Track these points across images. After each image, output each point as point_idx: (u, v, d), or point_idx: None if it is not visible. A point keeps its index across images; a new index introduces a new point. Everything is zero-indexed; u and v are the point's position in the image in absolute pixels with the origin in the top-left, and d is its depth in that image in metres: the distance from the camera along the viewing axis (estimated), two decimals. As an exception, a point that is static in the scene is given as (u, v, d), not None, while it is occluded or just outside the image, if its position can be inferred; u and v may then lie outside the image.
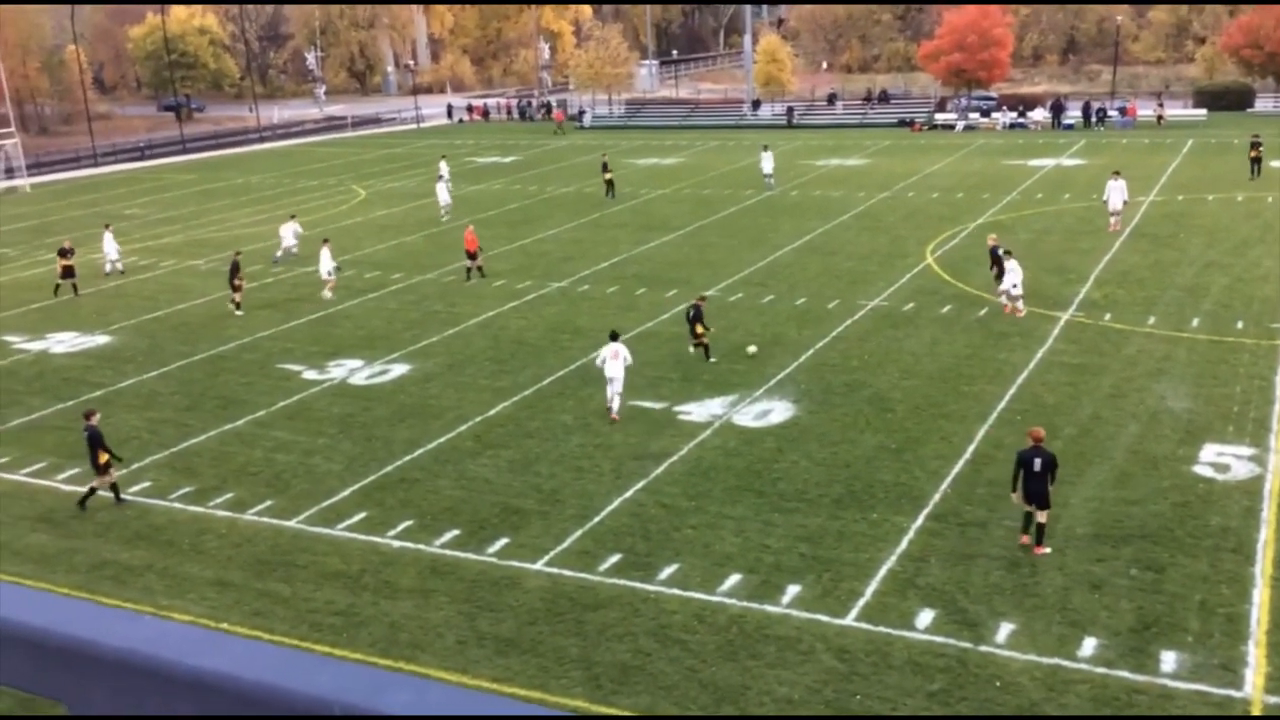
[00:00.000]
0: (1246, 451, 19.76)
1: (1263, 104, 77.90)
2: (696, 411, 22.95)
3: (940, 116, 79.16)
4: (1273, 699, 12.79)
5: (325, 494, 19.88)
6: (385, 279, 36.71)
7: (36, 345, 30.92)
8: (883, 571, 16.08)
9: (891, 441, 20.95)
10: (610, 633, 14.85)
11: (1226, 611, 14.61)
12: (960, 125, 76.01)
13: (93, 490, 19.73)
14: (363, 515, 18.91)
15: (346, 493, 19.89)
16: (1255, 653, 13.68)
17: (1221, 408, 21.84)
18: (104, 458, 19.44)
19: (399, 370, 26.93)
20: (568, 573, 16.53)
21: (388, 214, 50.59)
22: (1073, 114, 74.27)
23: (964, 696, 13.12)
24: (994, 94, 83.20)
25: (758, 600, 15.45)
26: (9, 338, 31.81)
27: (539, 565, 16.82)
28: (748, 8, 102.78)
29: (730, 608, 15.31)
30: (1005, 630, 14.40)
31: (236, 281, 32.85)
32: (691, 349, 26.14)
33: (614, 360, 22.63)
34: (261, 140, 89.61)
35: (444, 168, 53.93)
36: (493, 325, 30.51)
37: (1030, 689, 13.19)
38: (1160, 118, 71.91)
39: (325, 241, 35.23)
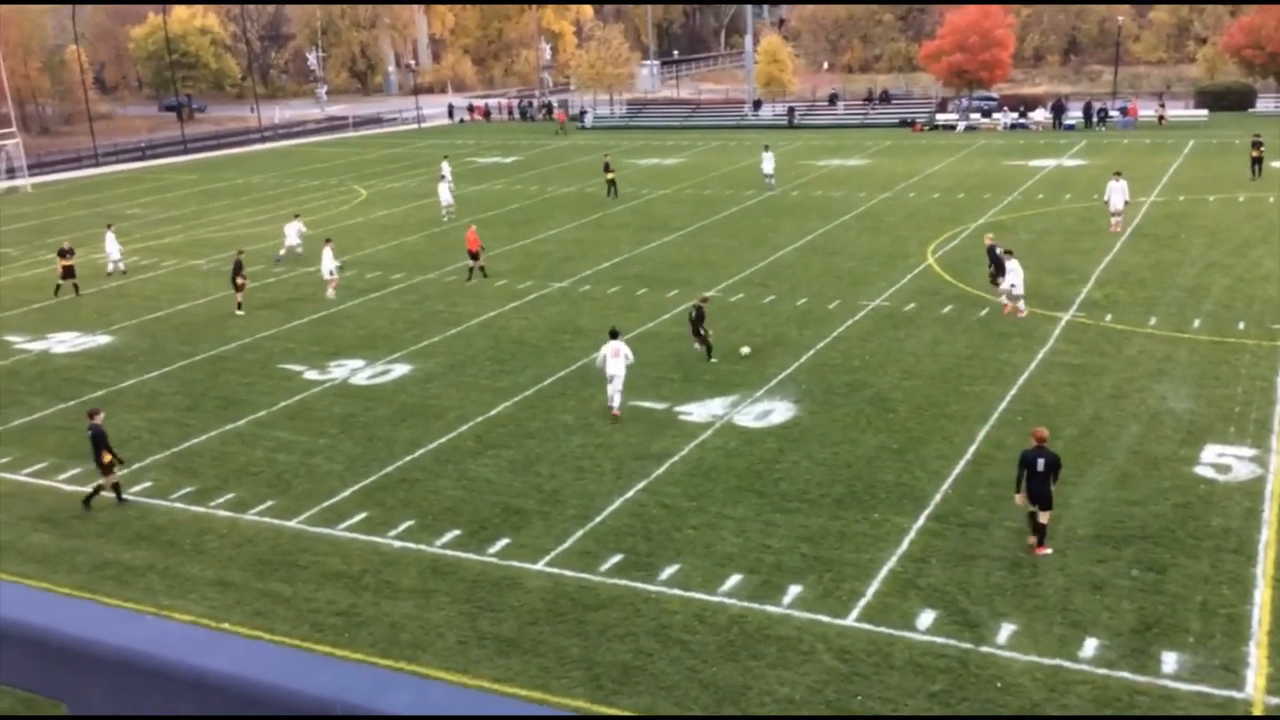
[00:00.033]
0: (1248, 452, 19.75)
1: (1264, 104, 77.87)
2: (697, 412, 22.95)
3: (941, 117, 79.16)
4: (1274, 700, 12.78)
5: (326, 494, 19.89)
6: (386, 279, 36.72)
7: (38, 345, 30.93)
8: (884, 572, 16.07)
9: (893, 442, 20.94)
10: (611, 633, 14.85)
11: (1228, 612, 14.60)
12: (961, 125, 76.01)
13: (98, 489, 19.75)
14: (364, 515, 18.91)
15: (347, 493, 19.90)
16: (1256, 653, 13.67)
17: (1223, 408, 21.83)
18: (108, 457, 19.46)
19: (400, 370, 26.94)
20: (569, 573, 16.53)
21: (389, 214, 50.60)
22: (1074, 114, 74.25)
23: (965, 697, 13.12)
24: (995, 94, 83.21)
25: (759, 600, 15.45)
26: (10, 338, 31.83)
27: (540, 565, 16.82)
28: (749, 8, 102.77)
29: (731, 608, 15.31)
30: (1006, 631, 14.40)
31: (239, 280, 32.86)
32: (697, 347, 26.15)
33: (614, 358, 22.66)
34: (263, 140, 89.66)
35: (446, 168, 53.96)
36: (494, 325, 30.52)
37: (1031, 690, 13.19)
38: (1161, 118, 71.89)
39: (327, 241, 35.24)
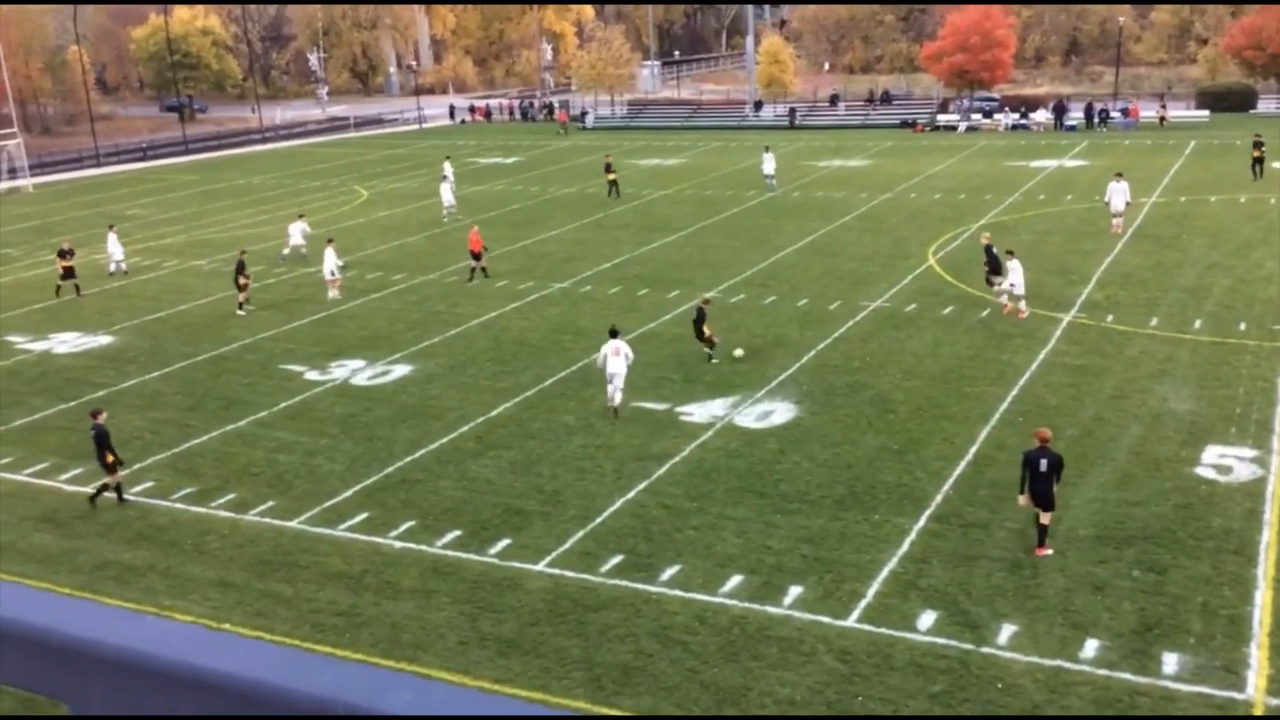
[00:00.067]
0: (1249, 453, 19.74)
1: (1265, 105, 77.83)
2: (698, 412, 22.95)
3: (942, 118, 79.14)
4: (1275, 701, 12.78)
5: (327, 494, 19.89)
6: (387, 279, 36.73)
7: (39, 345, 30.95)
8: (884, 573, 16.07)
9: (893, 443, 20.94)
10: (612, 634, 14.85)
11: (1229, 613, 14.60)
12: (962, 126, 76.00)
13: (104, 487, 19.78)
14: (364, 516, 18.91)
15: (348, 493, 19.90)
16: (1257, 655, 13.66)
17: (1224, 409, 21.82)
18: (110, 456, 19.50)
19: (401, 371, 26.94)
20: (569, 574, 16.53)
21: (390, 214, 50.62)
22: (1075, 115, 74.23)
23: (966, 698, 13.11)
24: (996, 95, 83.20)
25: (759, 601, 15.45)
26: (12, 338, 31.84)
27: (541, 566, 16.82)
28: (750, 9, 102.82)
29: (732, 609, 15.31)
30: (1007, 632, 14.39)
31: (242, 280, 32.88)
32: (706, 350, 26.14)
33: (615, 357, 22.68)
34: (264, 141, 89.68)
35: (448, 168, 54.00)
36: (495, 326, 30.52)
37: (1032, 691, 13.19)
38: (1163, 119, 71.86)
39: (330, 242, 35.27)
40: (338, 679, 1.36)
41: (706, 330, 25.78)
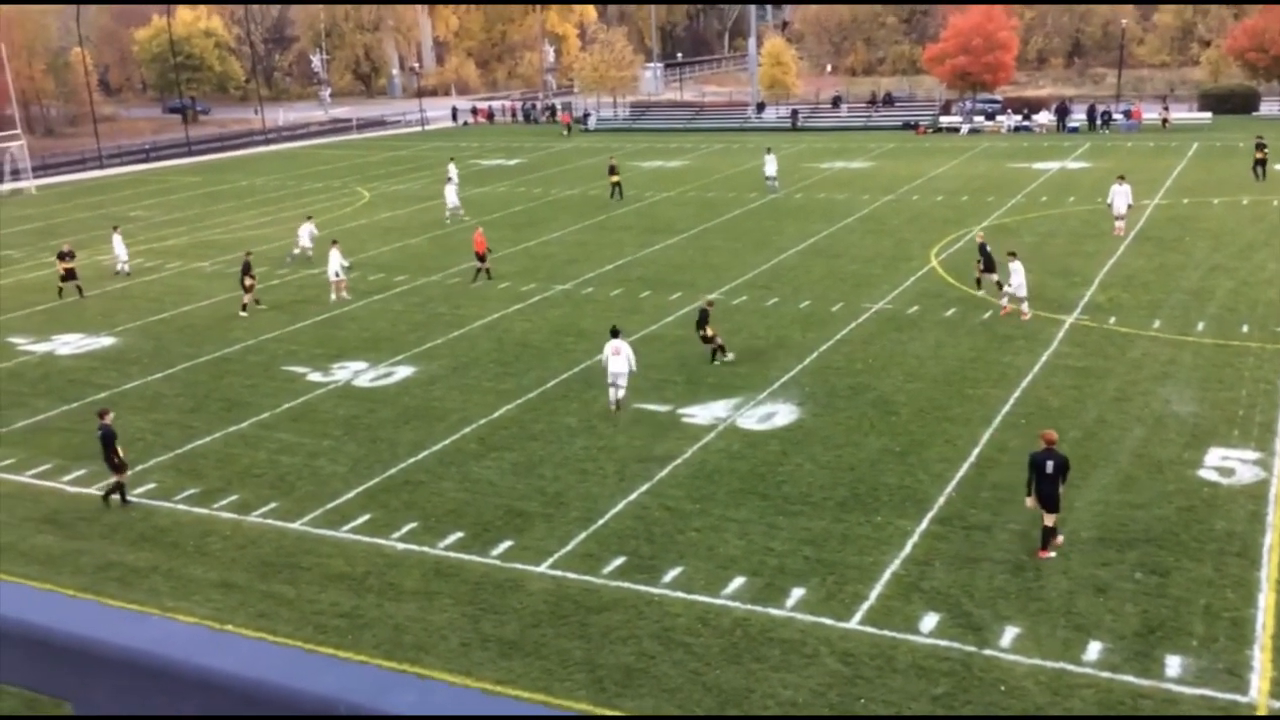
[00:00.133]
0: (1251, 455, 19.72)
1: (1268, 107, 77.76)
2: (700, 414, 22.95)
3: (945, 119, 79.12)
4: (1278, 703, 12.76)
5: (330, 496, 19.90)
6: (390, 281, 36.75)
7: (42, 347, 30.97)
8: (887, 575, 16.06)
9: (896, 445, 20.93)
10: (614, 635, 14.85)
11: (1231, 616, 14.58)
12: (965, 128, 75.97)
13: (116, 485, 19.78)
14: (367, 517, 18.92)
15: (351, 495, 19.91)
16: (1260, 657, 13.65)
17: (1226, 411, 21.80)
18: (117, 457, 19.53)
19: (403, 372, 26.95)
20: (571, 575, 16.53)
21: (392, 216, 50.65)
22: (1078, 117, 74.20)
23: (968, 700, 13.10)
24: (999, 97, 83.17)
25: (762, 603, 15.44)
26: (14, 339, 31.88)
27: (543, 568, 16.82)
28: (752, 10, 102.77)
29: (734, 611, 15.30)
30: (1010, 634, 14.38)
31: (247, 281, 32.91)
32: (715, 352, 26.12)
33: (615, 357, 22.70)
34: (267, 142, 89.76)
35: (452, 170, 54.02)
36: (497, 328, 30.53)
37: (1035, 693, 13.17)
38: (1165, 121, 71.80)
39: (334, 243, 35.31)
40: (340, 679, 1.36)
41: (709, 331, 25.77)
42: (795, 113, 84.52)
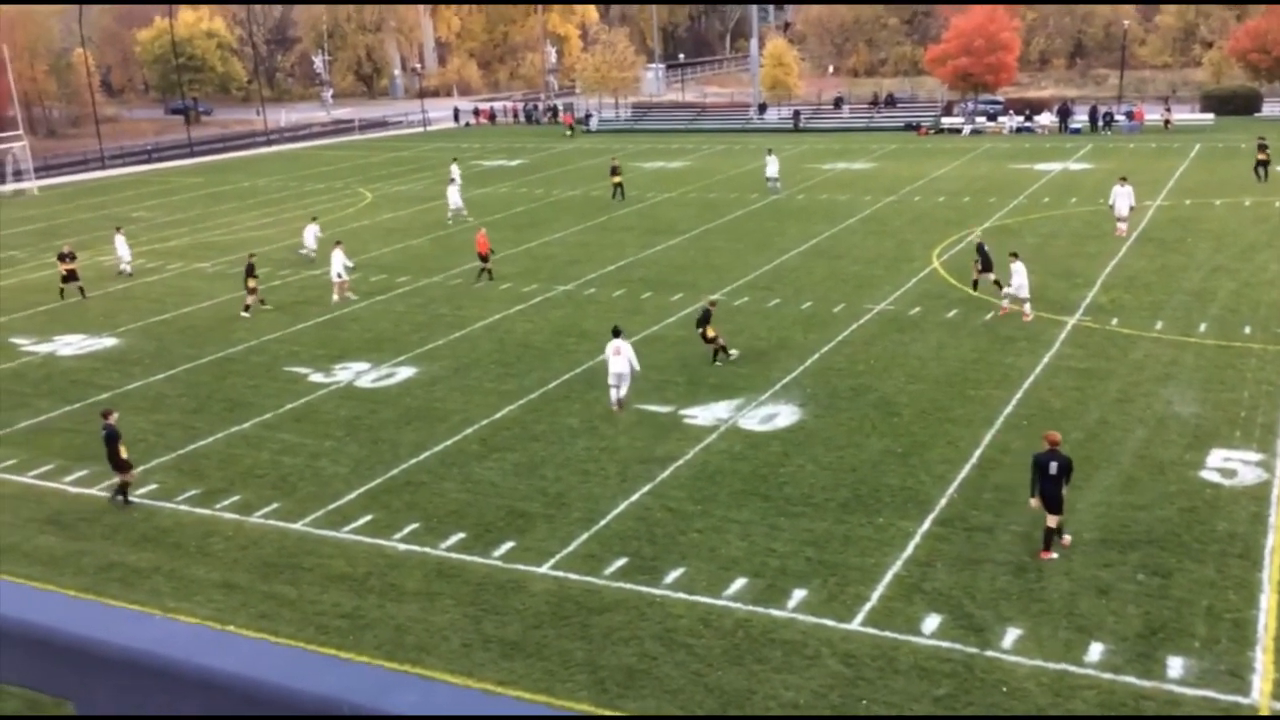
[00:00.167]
0: (1254, 457, 19.70)
1: (1270, 108, 77.72)
2: (702, 415, 22.95)
3: (947, 120, 79.11)
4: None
5: (331, 497, 19.90)
6: (392, 282, 36.77)
7: (44, 347, 31.00)
8: (889, 576, 16.05)
9: (898, 446, 20.92)
10: (616, 636, 14.85)
11: (1234, 617, 14.57)
12: (967, 129, 75.96)
13: (122, 485, 19.79)
14: (369, 518, 18.92)
15: (353, 495, 19.92)
16: (1263, 659, 13.64)
17: (1229, 413, 21.78)
18: (123, 454, 19.58)
19: (405, 373, 26.96)
20: (573, 576, 16.53)
21: (394, 217, 50.67)
22: (1080, 118, 74.16)
23: (970, 702, 13.10)
24: (1000, 98, 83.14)
25: (763, 604, 15.44)
26: (17, 340, 31.90)
27: (545, 569, 16.82)
28: (754, 11, 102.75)
29: (736, 612, 15.30)
30: (1012, 635, 14.37)
31: (251, 283, 32.94)
32: (717, 353, 26.13)
33: (616, 356, 22.71)
34: (269, 143, 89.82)
35: (455, 171, 54.03)
36: (499, 328, 30.54)
37: (1037, 694, 13.16)
38: (1167, 122, 71.75)
39: (337, 244, 35.34)
40: (342, 679, 1.36)
41: (710, 331, 25.77)
42: (797, 114, 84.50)
